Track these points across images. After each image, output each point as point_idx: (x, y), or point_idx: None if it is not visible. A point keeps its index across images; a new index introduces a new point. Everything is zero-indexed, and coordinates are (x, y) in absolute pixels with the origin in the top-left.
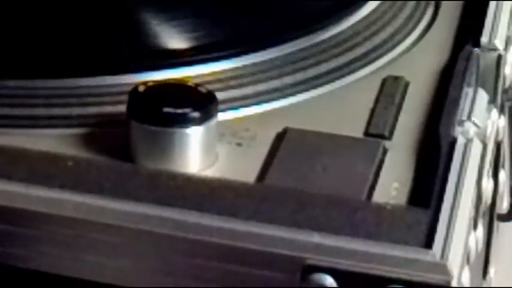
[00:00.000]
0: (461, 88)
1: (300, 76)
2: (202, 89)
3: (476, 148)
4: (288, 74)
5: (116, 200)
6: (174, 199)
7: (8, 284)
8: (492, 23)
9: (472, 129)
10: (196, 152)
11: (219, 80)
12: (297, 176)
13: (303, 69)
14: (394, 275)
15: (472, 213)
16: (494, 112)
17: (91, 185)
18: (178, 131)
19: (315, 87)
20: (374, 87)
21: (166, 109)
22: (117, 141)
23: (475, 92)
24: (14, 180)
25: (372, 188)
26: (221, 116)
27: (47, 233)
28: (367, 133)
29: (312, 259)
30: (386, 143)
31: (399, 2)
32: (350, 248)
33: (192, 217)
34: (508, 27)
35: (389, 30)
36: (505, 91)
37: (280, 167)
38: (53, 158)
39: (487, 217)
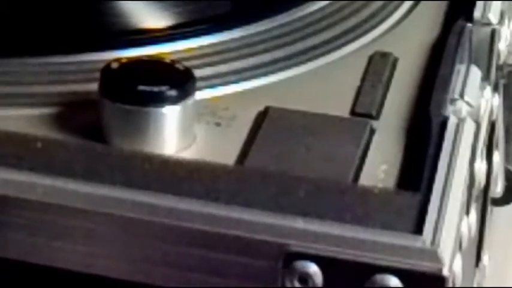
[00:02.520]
0: (453, 65)
1: (282, 52)
2: (180, 66)
3: (468, 128)
4: (270, 50)
5: (88, 183)
6: (150, 182)
7: None
8: None
9: (464, 108)
10: (172, 132)
11: (197, 57)
12: (280, 158)
13: (286, 45)
14: (382, 263)
15: (465, 197)
16: (488, 90)
17: (62, 168)
18: (153, 110)
19: (298, 64)
20: (361, 64)
21: (141, 87)
22: (89, 121)
23: (467, 69)
24: None
25: (359, 170)
26: (199, 95)
27: (15, 218)
28: (353, 112)
29: (295, 245)
30: (374, 123)
31: None
32: (335, 234)
33: (168, 201)
34: (503, 1)
35: (377, 3)
36: (499, 68)
37: (262, 148)
38: (22, 139)
39: (480, 201)
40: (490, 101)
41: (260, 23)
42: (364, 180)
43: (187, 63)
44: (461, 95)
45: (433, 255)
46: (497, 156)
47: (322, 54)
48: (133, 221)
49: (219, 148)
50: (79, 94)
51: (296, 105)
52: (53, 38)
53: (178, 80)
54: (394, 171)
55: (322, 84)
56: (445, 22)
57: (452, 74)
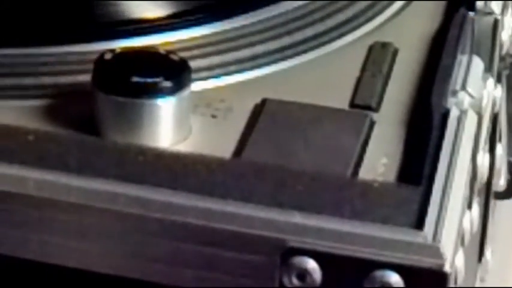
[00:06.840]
0: (454, 55)
1: (280, 43)
2: (175, 57)
3: (471, 120)
4: (267, 40)
5: (81, 177)
6: (144, 176)
7: None
8: None
9: (466, 100)
10: (167, 124)
11: (193, 48)
12: (277, 151)
13: (284, 35)
14: (381, 258)
15: (467, 191)
16: (491, 81)
17: (54, 161)
18: (148, 102)
19: (296, 54)
20: (360, 55)
21: (135, 78)
22: (82, 113)
23: (469, 60)
24: None
25: (358, 163)
26: (195, 86)
27: (6, 213)
28: (352, 104)
29: (293, 241)
30: (374, 115)
31: None
32: (334, 229)
33: (163, 195)
34: None
35: None
36: (501, 58)
37: (259, 141)
38: (12, 131)
39: (482, 195)
40: (492, 93)
41: (257, 12)
42: (364, 173)
43: (182, 54)
44: (463, 87)
45: (435, 250)
46: (500, 149)
47: (321, 44)
48: (127, 216)
49: (215, 141)
50: (72, 86)
51: (294, 97)
52: (46, 28)
53: (173, 71)
54: (395, 165)
55: (320, 75)
56: (447, 11)
57: (453, 65)
